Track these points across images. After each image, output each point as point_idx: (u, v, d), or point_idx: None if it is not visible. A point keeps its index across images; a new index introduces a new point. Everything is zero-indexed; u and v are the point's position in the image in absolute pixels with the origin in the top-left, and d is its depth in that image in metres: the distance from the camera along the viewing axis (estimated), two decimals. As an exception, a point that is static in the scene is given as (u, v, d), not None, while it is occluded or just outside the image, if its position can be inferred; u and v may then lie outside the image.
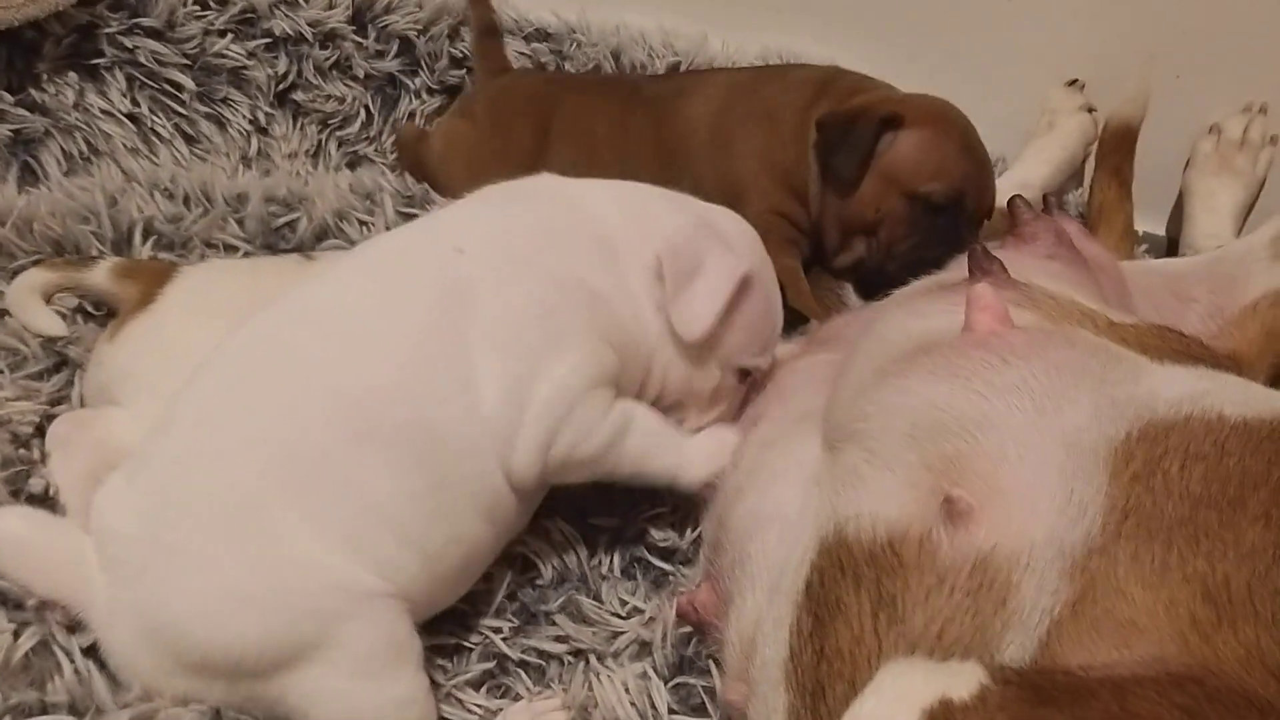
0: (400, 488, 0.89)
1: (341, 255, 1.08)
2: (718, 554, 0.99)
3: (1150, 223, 1.77)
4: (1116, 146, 1.63)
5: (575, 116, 1.58)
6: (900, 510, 0.79)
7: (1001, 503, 0.77)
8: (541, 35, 1.74)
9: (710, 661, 1.01)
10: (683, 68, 1.74)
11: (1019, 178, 1.68)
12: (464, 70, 1.74)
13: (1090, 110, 1.70)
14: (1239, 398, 0.86)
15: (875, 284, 1.37)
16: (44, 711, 0.79)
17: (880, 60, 1.75)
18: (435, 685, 0.97)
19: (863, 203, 1.40)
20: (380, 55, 1.69)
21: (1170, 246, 1.77)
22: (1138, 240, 1.70)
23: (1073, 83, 1.72)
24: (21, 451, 1.01)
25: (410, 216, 1.43)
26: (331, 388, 0.90)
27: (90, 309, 1.18)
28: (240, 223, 1.33)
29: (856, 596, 0.77)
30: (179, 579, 0.85)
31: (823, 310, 1.42)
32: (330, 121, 1.68)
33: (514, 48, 1.72)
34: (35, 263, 1.17)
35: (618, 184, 1.13)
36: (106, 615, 0.86)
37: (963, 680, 0.64)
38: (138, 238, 1.27)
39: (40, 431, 1.04)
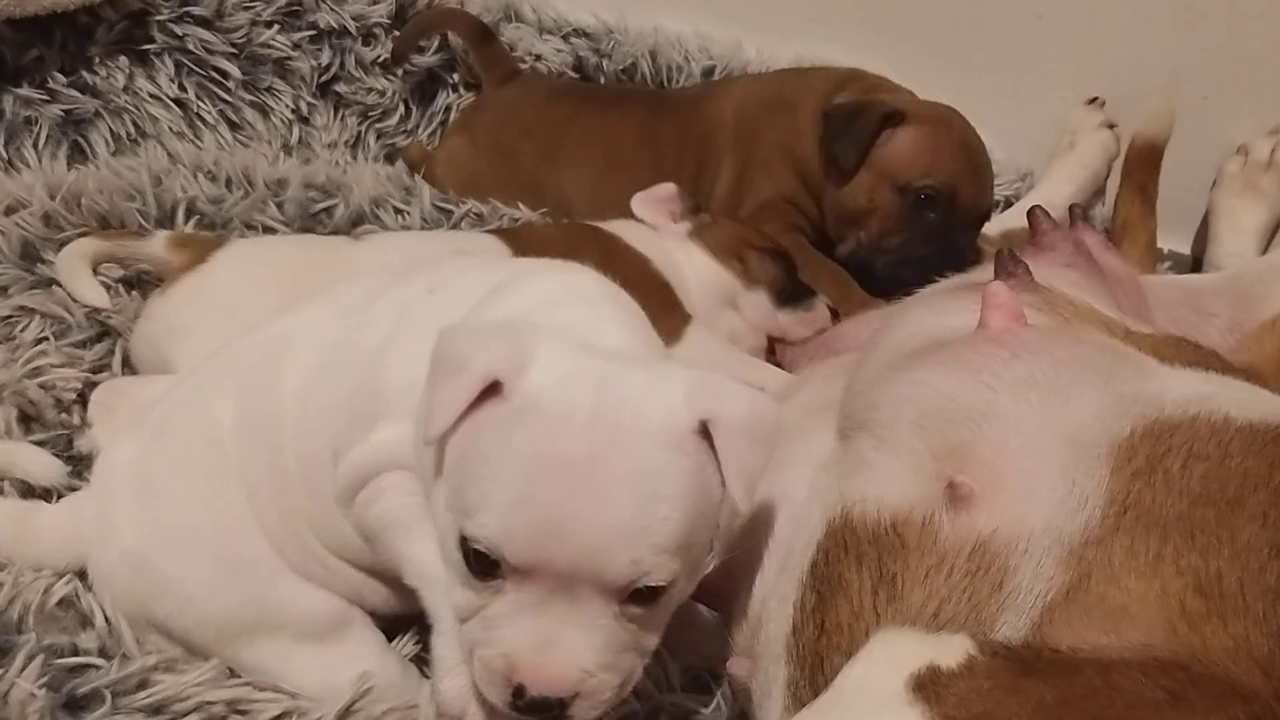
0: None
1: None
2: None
3: (1175, 241, 1.79)
4: (1141, 163, 1.65)
5: (595, 130, 1.61)
6: (905, 494, 0.82)
7: (1003, 490, 0.79)
8: (580, 34, 1.78)
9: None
10: (717, 71, 1.78)
11: (1042, 198, 1.69)
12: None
13: (1111, 127, 1.72)
14: (1245, 401, 0.88)
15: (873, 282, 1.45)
16: (75, 654, 0.83)
17: (908, 73, 1.78)
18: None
19: (856, 192, 1.47)
20: (420, 50, 1.75)
21: (1194, 265, 1.79)
22: (1162, 258, 1.72)
23: (1092, 101, 1.74)
24: (63, 416, 1.05)
25: (446, 211, 1.47)
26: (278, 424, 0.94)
27: (133, 282, 1.22)
28: (280, 206, 1.38)
29: (858, 574, 0.79)
30: (159, 549, 0.90)
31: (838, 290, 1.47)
32: (370, 114, 1.74)
33: (552, 45, 1.77)
34: (83, 235, 1.21)
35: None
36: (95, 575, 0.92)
37: (951, 649, 0.67)
38: (180, 216, 1.31)
39: (82, 398, 1.08)
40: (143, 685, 0.83)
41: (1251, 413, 0.86)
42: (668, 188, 1.46)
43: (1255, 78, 1.70)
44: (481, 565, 0.78)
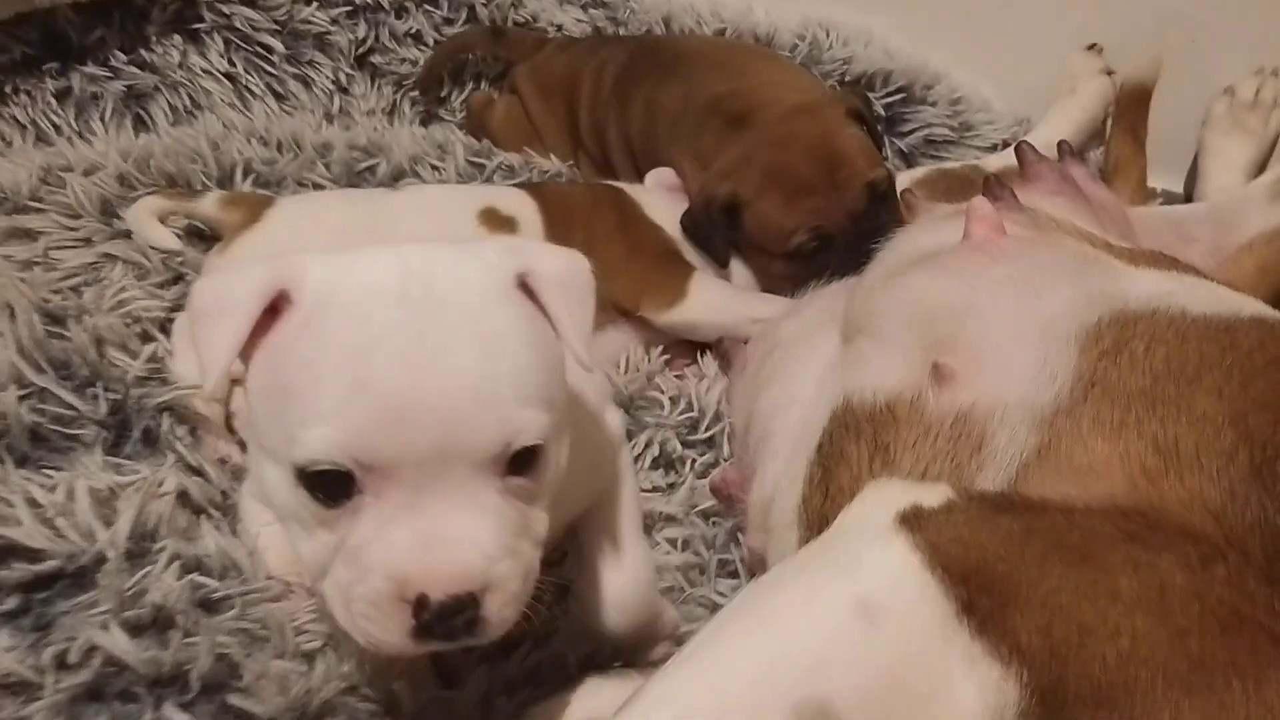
0: None
1: None
2: (746, 436, 1.13)
3: (1169, 180, 1.87)
4: (1132, 105, 1.75)
5: (589, 99, 1.69)
6: (897, 379, 0.93)
7: (981, 370, 0.90)
8: (598, 3, 1.89)
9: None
10: (728, 34, 1.87)
11: (1043, 138, 1.77)
12: (527, 35, 1.89)
13: (1109, 73, 1.82)
14: (1203, 297, 0.99)
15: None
16: (199, 565, 0.93)
17: (911, 30, 1.89)
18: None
19: (762, 266, 1.46)
20: (449, 22, 1.86)
21: (1187, 201, 1.86)
22: (1155, 195, 1.81)
23: (1091, 47, 1.84)
24: (147, 347, 1.17)
25: (479, 166, 1.59)
26: None
27: (198, 233, 1.34)
28: (327, 166, 1.49)
29: (857, 446, 0.90)
30: None
31: None
32: (404, 83, 1.85)
33: (572, 15, 1.88)
34: (150, 194, 1.33)
35: None
36: None
37: (933, 493, 0.77)
38: (239, 176, 1.43)
39: (163, 329, 1.20)
40: (264, 601, 0.93)
41: (1208, 306, 0.96)
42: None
43: (1239, 23, 1.78)
44: (329, 487, 0.69)
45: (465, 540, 0.69)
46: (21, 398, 1.02)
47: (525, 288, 0.76)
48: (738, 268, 1.48)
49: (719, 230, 1.41)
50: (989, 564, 0.71)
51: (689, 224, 1.44)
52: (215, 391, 0.74)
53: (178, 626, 0.86)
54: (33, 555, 0.87)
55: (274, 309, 0.71)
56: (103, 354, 1.10)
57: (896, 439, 0.88)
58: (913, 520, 0.74)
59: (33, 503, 0.92)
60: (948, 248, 1.08)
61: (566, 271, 0.78)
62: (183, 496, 1.01)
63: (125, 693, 0.81)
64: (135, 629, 0.84)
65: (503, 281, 0.75)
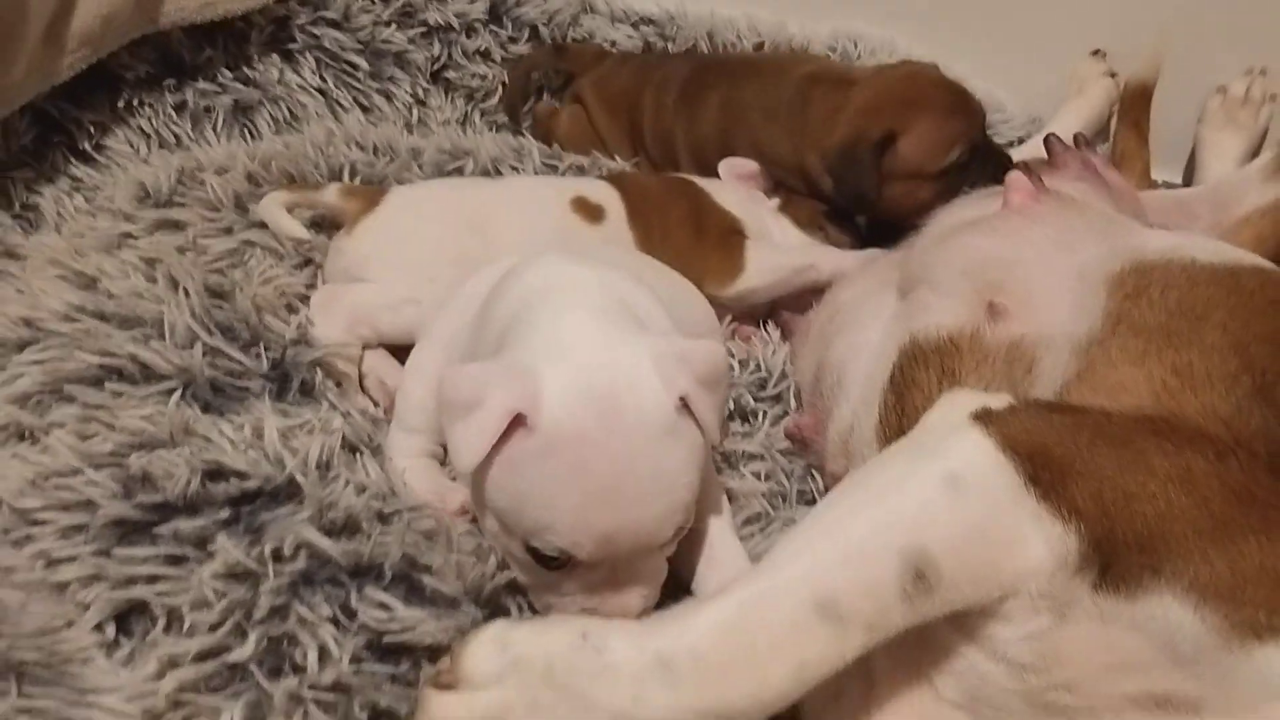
0: None
1: None
2: (818, 383, 1.30)
3: (1169, 173, 2.05)
4: (1135, 103, 1.93)
5: (652, 109, 1.87)
6: (956, 318, 1.10)
7: (1029, 308, 1.08)
8: (647, 21, 2.09)
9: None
10: (767, 46, 2.06)
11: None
12: (585, 50, 2.08)
13: (1112, 75, 2.01)
14: (1210, 249, 1.16)
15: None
16: (364, 490, 1.10)
17: (931, 40, 2.07)
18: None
19: (903, 200, 1.59)
20: (514, 40, 2.05)
21: (1187, 191, 2.05)
22: (1157, 187, 1.99)
23: (1096, 53, 2.03)
24: (294, 316, 1.34)
25: (552, 167, 1.77)
26: None
27: (319, 224, 1.51)
28: (420, 167, 1.67)
29: (926, 373, 1.08)
30: None
31: None
32: (475, 96, 2.04)
33: (624, 32, 2.07)
34: (276, 189, 1.50)
35: None
36: None
37: (998, 399, 0.94)
38: (345, 175, 1.60)
39: (303, 301, 1.37)
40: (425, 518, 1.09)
41: (1214, 256, 1.14)
42: (752, 165, 1.69)
43: (1230, 28, 1.97)
44: (553, 562, 0.96)
45: (644, 591, 0.99)
46: (201, 354, 1.20)
47: (684, 403, 0.96)
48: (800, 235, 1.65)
49: (868, 170, 1.54)
50: (1048, 447, 0.88)
51: (837, 170, 1.57)
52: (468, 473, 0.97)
53: (364, 531, 1.03)
54: (239, 475, 1.05)
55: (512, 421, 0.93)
56: (261, 320, 1.27)
57: (960, 365, 1.06)
58: (984, 417, 0.91)
59: (225, 438, 1.10)
60: (988, 215, 1.26)
61: (709, 370, 0.98)
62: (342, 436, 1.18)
63: (332, 579, 0.98)
64: (330, 532, 1.02)
65: (671, 412, 0.95)
